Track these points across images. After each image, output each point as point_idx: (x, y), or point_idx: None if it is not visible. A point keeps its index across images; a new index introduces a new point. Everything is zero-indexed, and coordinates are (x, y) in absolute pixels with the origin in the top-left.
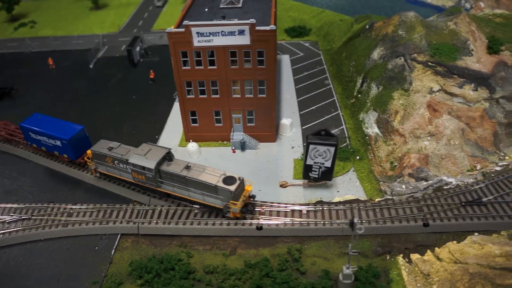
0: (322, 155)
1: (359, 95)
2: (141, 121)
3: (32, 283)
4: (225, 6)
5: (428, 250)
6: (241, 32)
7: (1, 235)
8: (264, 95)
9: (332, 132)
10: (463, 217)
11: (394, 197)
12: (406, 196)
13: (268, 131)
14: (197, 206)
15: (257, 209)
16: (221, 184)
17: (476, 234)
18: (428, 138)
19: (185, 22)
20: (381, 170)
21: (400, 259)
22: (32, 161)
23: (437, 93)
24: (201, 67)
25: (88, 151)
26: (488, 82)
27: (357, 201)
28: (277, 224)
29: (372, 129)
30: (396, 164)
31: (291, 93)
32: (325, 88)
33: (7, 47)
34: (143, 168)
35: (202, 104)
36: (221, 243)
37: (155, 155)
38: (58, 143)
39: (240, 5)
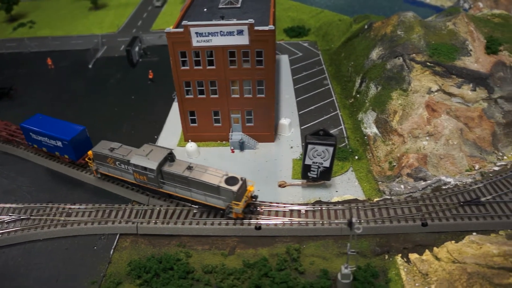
0: (321, 155)
1: (358, 95)
2: (140, 121)
3: (31, 283)
4: (224, 6)
5: (427, 250)
6: (240, 32)
7: (0, 235)
8: (263, 95)
9: (330, 132)
10: (462, 217)
11: (392, 197)
12: (404, 196)
13: (267, 131)
14: (196, 206)
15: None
16: (223, 185)
17: (474, 234)
18: (427, 138)
19: (184, 22)
20: (380, 170)
21: (398, 258)
22: (30, 161)
23: (435, 93)
24: (200, 67)
25: (89, 152)
26: (486, 82)
27: (355, 201)
28: (275, 224)
29: (371, 129)
30: (394, 164)
31: (290, 93)
32: (324, 88)
33: (6, 47)
34: (145, 168)
35: (201, 104)
36: (220, 243)
37: (157, 155)
38: (59, 143)
39: (239, 5)
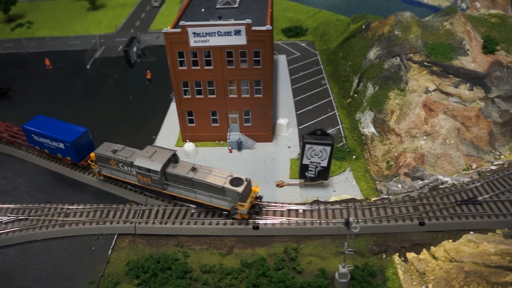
0: (318, 155)
1: (356, 95)
2: (138, 121)
3: (29, 284)
4: (221, 6)
5: (424, 249)
6: (238, 32)
7: None
8: (260, 95)
9: (328, 131)
10: (459, 216)
11: (390, 196)
12: (402, 195)
13: (264, 131)
14: (194, 206)
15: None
16: (228, 186)
17: (471, 232)
18: (424, 137)
19: (182, 23)
20: (377, 169)
21: (396, 258)
22: (29, 162)
23: (432, 93)
24: (198, 67)
25: (92, 154)
26: (483, 82)
27: (353, 200)
28: (273, 224)
29: (368, 129)
30: (392, 163)
31: (288, 93)
32: (321, 88)
33: (3, 47)
34: (149, 170)
35: (198, 104)
36: (217, 242)
37: (161, 157)
38: (61, 145)
39: (236, 6)
